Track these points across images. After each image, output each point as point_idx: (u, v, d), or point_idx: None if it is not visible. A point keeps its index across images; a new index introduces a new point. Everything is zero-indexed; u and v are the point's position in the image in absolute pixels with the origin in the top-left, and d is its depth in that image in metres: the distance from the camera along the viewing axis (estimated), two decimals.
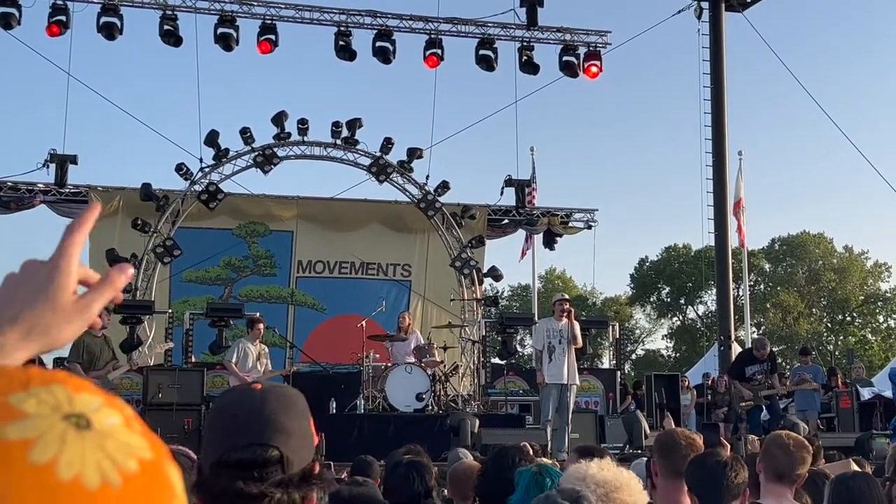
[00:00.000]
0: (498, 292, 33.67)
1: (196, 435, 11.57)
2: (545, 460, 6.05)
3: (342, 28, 18.75)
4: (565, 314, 12.45)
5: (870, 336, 57.29)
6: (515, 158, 22.06)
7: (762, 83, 71.45)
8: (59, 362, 13.03)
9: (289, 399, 1.76)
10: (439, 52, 19.01)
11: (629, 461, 5.86)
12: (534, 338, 13.15)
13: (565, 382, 12.22)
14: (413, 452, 5.82)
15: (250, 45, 18.26)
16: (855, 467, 5.73)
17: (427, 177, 19.79)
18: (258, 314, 15.46)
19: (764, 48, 20.73)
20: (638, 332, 63.78)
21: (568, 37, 19.74)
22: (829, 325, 58.91)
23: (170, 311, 17.97)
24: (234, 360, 13.35)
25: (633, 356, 61.05)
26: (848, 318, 58.35)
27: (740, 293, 37.84)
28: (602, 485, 2.96)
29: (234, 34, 18.18)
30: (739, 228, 24.38)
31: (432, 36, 19.10)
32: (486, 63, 19.18)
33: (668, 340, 62.91)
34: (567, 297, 13.56)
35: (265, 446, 1.67)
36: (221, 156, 18.90)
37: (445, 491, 5.59)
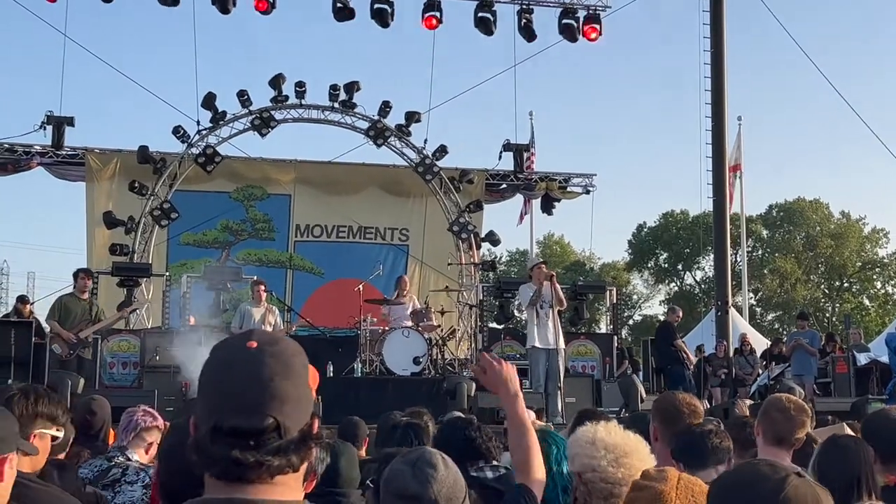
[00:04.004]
0: (496, 257, 33.56)
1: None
2: (538, 423, 6.05)
3: None
4: (546, 279, 12.33)
5: (867, 302, 57.35)
6: (514, 123, 21.97)
7: (762, 48, 71.18)
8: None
9: (286, 358, 1.68)
10: (438, 14, 18.74)
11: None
12: (520, 299, 13.11)
13: (552, 347, 12.17)
14: (415, 415, 5.82)
15: (248, 6, 18.07)
16: (849, 431, 5.73)
17: (425, 141, 19.72)
18: (255, 277, 15.49)
19: (765, 13, 20.59)
20: (636, 297, 63.89)
21: None
22: (826, 291, 58.96)
23: (167, 273, 17.94)
24: (234, 324, 13.72)
25: (631, 321, 61.19)
26: (846, 285, 58.39)
27: (738, 259, 37.91)
28: (612, 449, 2.92)
29: None
30: (731, 195, 24.32)
31: None
32: (485, 26, 18.92)
33: (666, 306, 62.94)
34: (544, 260, 13.47)
35: (261, 415, 1.61)
36: (219, 118, 18.81)
37: None
